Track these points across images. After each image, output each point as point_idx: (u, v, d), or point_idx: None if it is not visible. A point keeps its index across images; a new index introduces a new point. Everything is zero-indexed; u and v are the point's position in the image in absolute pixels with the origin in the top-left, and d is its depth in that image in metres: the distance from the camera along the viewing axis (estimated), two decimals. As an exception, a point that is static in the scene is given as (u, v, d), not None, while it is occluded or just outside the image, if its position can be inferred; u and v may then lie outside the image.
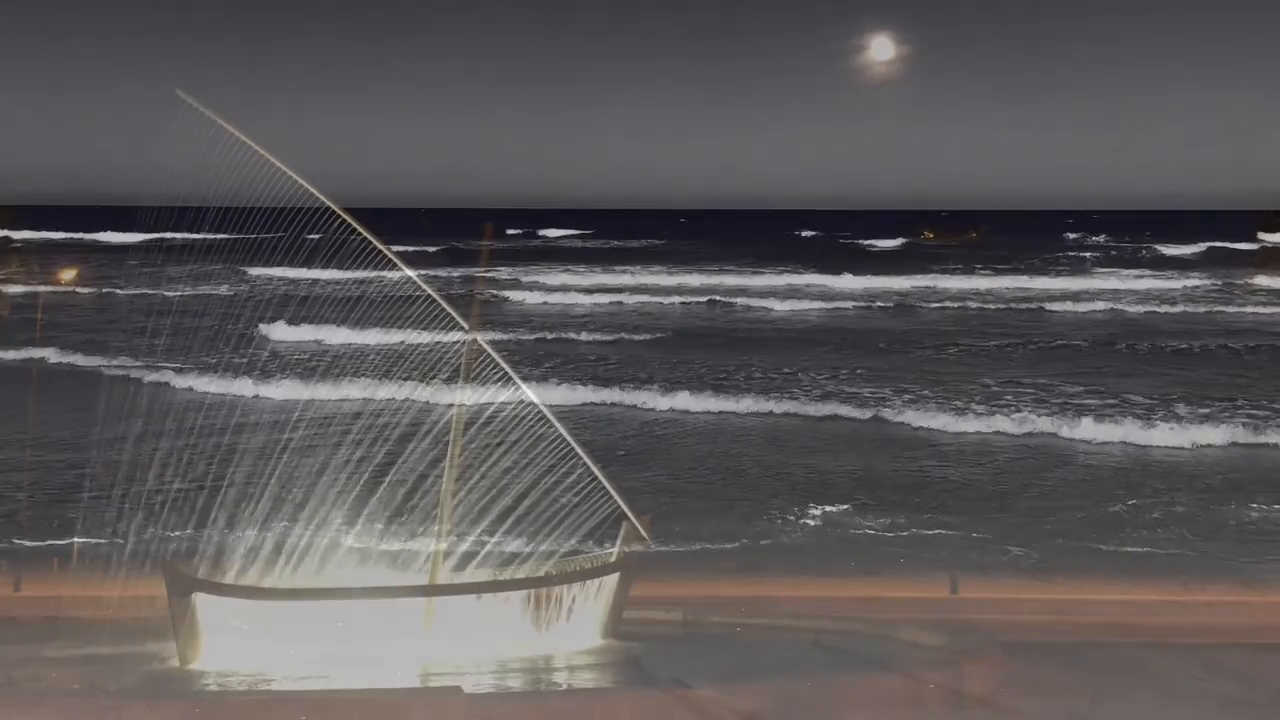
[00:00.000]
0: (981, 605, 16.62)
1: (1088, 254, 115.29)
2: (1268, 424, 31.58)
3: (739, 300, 70.61)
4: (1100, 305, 67.06)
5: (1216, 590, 18.19)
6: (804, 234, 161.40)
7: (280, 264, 16.16)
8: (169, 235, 19.84)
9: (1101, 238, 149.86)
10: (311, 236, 14.68)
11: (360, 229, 14.18)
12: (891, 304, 69.17)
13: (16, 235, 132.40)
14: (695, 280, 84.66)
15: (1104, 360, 45.76)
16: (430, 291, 14.36)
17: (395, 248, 14.56)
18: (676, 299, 71.52)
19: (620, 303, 69.75)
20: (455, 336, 14.59)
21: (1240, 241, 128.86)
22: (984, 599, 17.03)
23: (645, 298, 72.02)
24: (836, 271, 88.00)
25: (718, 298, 71.41)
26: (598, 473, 14.41)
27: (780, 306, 67.91)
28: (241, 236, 15.80)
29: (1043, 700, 12.55)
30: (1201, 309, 66.25)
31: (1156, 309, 66.09)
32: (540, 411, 14.50)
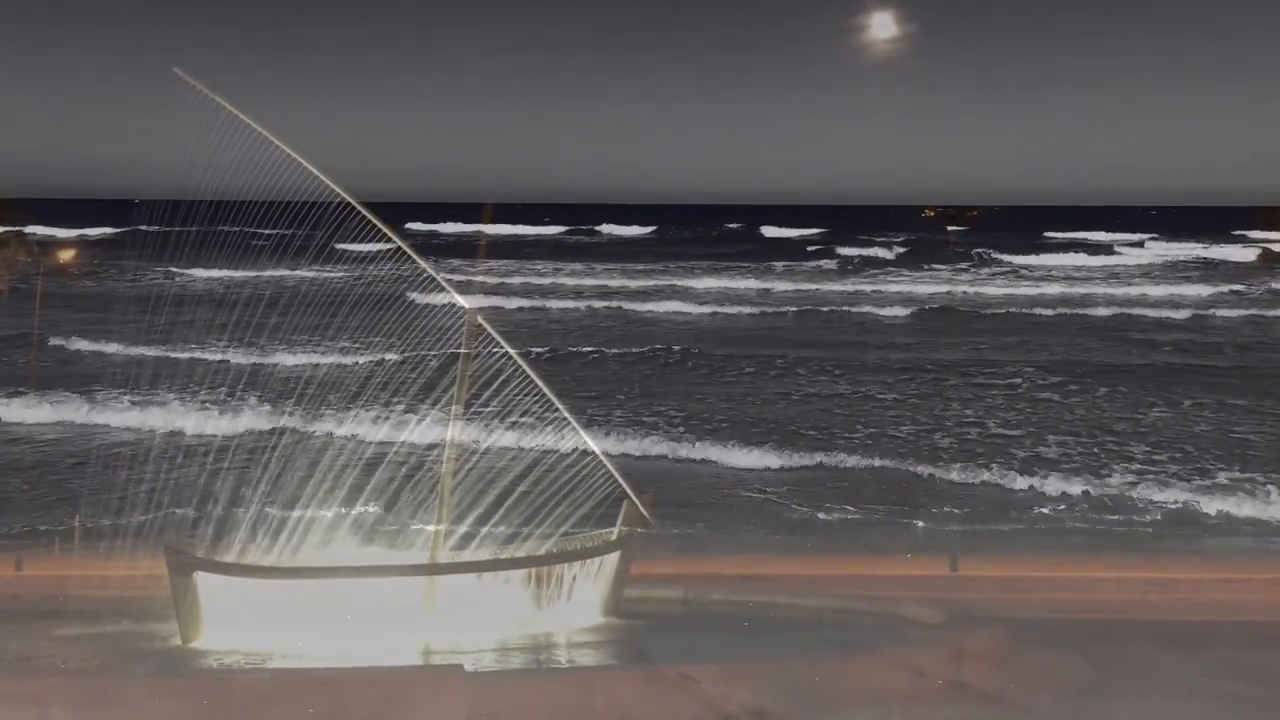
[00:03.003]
0: (981, 583, 16.73)
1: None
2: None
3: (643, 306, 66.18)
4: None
5: (1219, 569, 18.22)
6: (771, 230, 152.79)
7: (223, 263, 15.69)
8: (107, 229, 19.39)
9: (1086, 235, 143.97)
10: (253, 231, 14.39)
11: (365, 212, 14.07)
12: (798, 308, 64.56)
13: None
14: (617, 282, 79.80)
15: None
16: (430, 270, 14.33)
17: (346, 245, 14.37)
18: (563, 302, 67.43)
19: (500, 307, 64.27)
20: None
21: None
22: (983, 576, 17.16)
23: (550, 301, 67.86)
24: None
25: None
26: (597, 451, 14.40)
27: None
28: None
29: (1047, 682, 12.52)
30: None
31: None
32: (541, 393, 14.46)
